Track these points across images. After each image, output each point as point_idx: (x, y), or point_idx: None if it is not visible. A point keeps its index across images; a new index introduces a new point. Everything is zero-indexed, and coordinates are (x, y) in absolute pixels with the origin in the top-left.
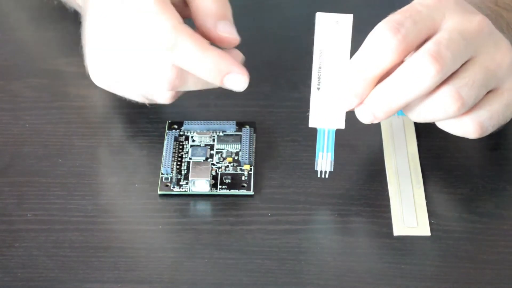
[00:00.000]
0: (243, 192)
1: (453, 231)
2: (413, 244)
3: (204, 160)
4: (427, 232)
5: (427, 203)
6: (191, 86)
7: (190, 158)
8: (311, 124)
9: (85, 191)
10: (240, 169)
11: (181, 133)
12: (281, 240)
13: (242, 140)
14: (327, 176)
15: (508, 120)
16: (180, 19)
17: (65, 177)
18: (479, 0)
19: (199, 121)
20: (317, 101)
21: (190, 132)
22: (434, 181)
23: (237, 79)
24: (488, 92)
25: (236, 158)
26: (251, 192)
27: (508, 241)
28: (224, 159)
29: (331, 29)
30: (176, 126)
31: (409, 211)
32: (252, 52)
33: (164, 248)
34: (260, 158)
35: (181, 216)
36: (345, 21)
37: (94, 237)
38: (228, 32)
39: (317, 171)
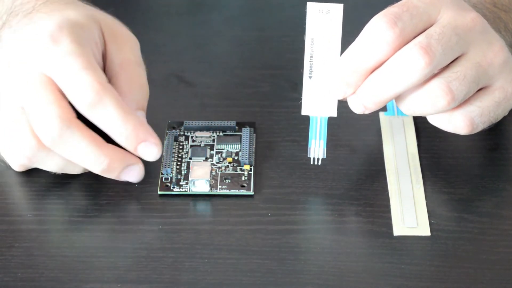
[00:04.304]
0: (243, 192)
1: (453, 231)
2: (413, 244)
3: (204, 160)
4: (427, 232)
5: (427, 203)
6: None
7: (190, 158)
8: (304, 112)
9: (85, 191)
10: (240, 169)
11: (181, 133)
12: (281, 240)
13: (242, 140)
14: (319, 163)
15: (499, 118)
16: (105, 78)
17: (66, 177)
18: (477, 0)
19: (199, 121)
20: (309, 90)
21: (190, 132)
22: (434, 181)
23: (150, 149)
24: (480, 90)
25: (236, 158)
26: (251, 192)
27: (508, 241)
28: (224, 159)
29: (322, 18)
30: (176, 126)
31: (409, 211)
32: (252, 52)
33: (164, 248)
34: (260, 158)
35: (181, 216)
36: (336, 10)
37: (94, 237)
38: (144, 123)
39: (310, 158)
